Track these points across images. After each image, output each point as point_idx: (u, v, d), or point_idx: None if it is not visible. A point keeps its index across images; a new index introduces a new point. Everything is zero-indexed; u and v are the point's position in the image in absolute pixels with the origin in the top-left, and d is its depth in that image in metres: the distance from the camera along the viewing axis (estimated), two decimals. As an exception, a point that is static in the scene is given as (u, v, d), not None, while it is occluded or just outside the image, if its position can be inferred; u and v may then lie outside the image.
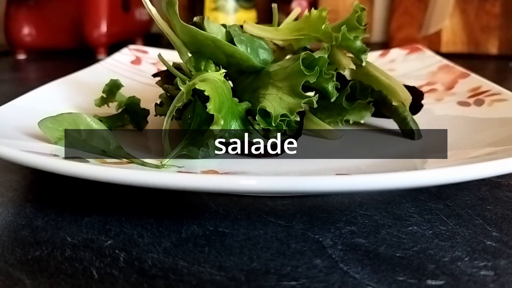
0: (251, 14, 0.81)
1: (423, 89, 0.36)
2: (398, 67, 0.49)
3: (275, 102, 0.27)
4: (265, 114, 0.27)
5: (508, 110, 0.31)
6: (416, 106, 0.32)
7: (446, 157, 0.27)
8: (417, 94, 0.32)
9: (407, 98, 0.30)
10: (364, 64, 0.30)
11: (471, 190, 0.25)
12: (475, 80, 0.38)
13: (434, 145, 0.30)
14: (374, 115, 0.33)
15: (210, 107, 0.24)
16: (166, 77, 0.33)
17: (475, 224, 0.22)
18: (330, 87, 0.29)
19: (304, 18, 0.30)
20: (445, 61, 0.46)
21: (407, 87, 0.32)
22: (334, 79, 0.29)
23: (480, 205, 0.24)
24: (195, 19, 0.30)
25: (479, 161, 0.21)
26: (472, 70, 0.41)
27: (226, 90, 0.26)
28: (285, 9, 0.80)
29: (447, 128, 0.31)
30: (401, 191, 0.25)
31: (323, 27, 0.28)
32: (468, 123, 0.31)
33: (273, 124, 0.27)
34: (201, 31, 0.28)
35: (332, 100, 0.29)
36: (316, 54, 0.27)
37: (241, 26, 0.31)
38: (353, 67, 0.29)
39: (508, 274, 0.18)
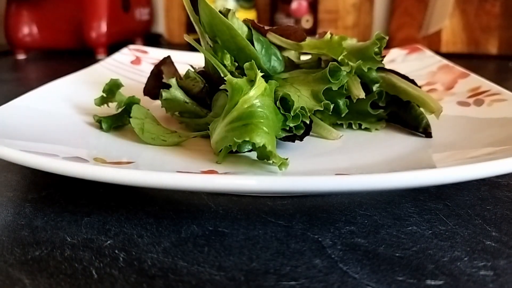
0: (251, 14, 0.81)
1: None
2: (398, 67, 0.49)
3: (295, 97, 0.28)
4: (285, 104, 0.28)
5: (508, 110, 0.31)
6: None
7: (445, 157, 0.27)
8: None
9: (439, 108, 0.31)
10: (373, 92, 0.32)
11: (471, 190, 0.25)
12: (475, 80, 0.38)
13: (434, 145, 0.30)
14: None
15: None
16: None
17: (474, 224, 0.22)
18: (342, 103, 0.31)
19: (326, 40, 0.31)
20: (445, 61, 0.46)
21: (406, 78, 0.33)
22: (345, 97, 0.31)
23: (479, 205, 0.24)
24: (221, 9, 0.30)
25: (479, 161, 0.21)
26: (472, 70, 0.41)
27: (272, 111, 0.26)
28: (285, 9, 0.79)
29: (447, 128, 0.31)
30: (401, 191, 0.25)
31: (340, 57, 0.30)
32: (468, 123, 0.31)
33: (292, 114, 0.27)
34: (220, 15, 0.29)
35: (342, 115, 0.31)
36: (343, 68, 0.29)
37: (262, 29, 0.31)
38: (363, 96, 0.30)
39: (508, 274, 0.18)
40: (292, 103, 0.27)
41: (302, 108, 0.27)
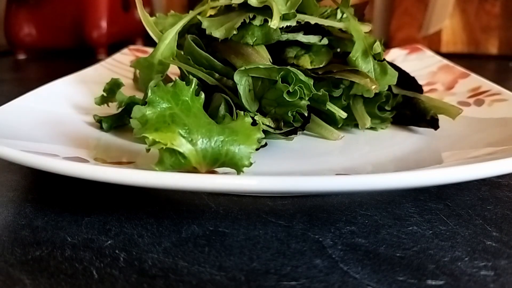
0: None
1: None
2: (398, 67, 0.49)
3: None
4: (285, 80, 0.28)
5: (508, 110, 0.31)
6: (416, 87, 0.34)
7: (446, 157, 0.27)
8: (417, 87, 0.33)
9: (459, 111, 0.31)
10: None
11: (471, 190, 0.25)
12: (475, 80, 0.38)
13: (435, 145, 0.30)
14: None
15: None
16: None
17: (475, 224, 0.22)
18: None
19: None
20: (445, 61, 0.46)
21: (407, 76, 0.33)
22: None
23: (480, 205, 0.24)
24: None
25: (479, 161, 0.21)
26: (472, 70, 0.41)
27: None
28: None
29: (447, 128, 0.31)
30: (401, 191, 0.25)
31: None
32: (468, 123, 0.31)
33: (291, 89, 0.27)
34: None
35: (339, 125, 0.32)
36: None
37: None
38: (369, 124, 0.32)
39: (508, 274, 0.18)
40: (293, 78, 0.27)
41: (300, 86, 0.27)
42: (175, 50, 0.32)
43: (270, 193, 0.24)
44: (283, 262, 0.19)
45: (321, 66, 0.31)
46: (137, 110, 0.29)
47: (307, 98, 0.28)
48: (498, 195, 0.25)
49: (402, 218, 0.22)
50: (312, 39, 0.31)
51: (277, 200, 0.24)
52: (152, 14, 0.96)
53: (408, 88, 0.33)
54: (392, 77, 0.31)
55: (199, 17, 0.32)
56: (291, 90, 0.27)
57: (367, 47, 0.30)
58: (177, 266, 0.18)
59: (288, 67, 0.28)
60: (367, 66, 0.30)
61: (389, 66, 0.31)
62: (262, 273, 0.18)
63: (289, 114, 0.28)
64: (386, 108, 0.32)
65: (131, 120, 0.29)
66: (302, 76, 0.28)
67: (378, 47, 0.30)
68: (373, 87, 0.29)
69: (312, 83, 0.28)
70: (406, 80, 0.34)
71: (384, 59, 0.31)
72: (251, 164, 0.22)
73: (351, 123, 0.33)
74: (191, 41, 0.31)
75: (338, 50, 0.33)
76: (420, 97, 0.32)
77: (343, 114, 0.31)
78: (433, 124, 0.31)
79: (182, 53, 0.32)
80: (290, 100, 0.27)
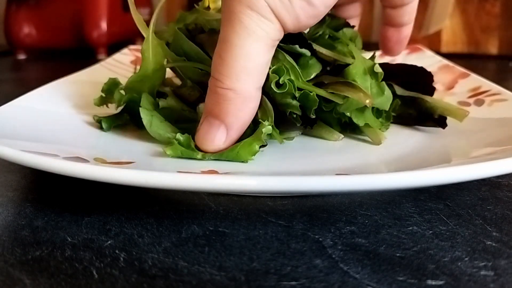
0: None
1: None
2: (398, 67, 0.49)
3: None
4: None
5: (508, 110, 0.31)
6: (429, 89, 0.33)
7: (445, 158, 0.27)
8: (427, 76, 0.33)
9: (465, 114, 0.31)
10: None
11: (471, 190, 0.25)
12: (475, 80, 0.38)
13: (435, 145, 0.30)
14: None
15: None
16: None
17: (475, 224, 0.22)
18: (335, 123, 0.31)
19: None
20: (445, 61, 0.46)
21: (415, 67, 0.33)
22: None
23: (480, 205, 0.24)
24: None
25: (479, 161, 0.21)
26: (472, 70, 0.41)
27: None
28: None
29: (447, 128, 0.31)
30: (402, 191, 0.25)
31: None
32: (468, 123, 0.31)
33: (280, 91, 0.27)
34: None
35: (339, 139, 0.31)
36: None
37: None
38: (384, 140, 0.30)
39: (508, 274, 0.18)
40: (284, 71, 0.27)
41: (291, 80, 0.27)
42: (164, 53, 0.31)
43: (270, 193, 0.24)
44: (283, 262, 0.19)
45: (309, 79, 0.30)
46: (145, 99, 0.28)
47: (297, 94, 0.27)
48: (498, 195, 0.25)
49: (402, 218, 0.22)
50: (298, 49, 0.30)
51: (277, 200, 0.24)
52: (152, 14, 0.96)
53: (413, 89, 0.33)
54: (387, 101, 0.30)
55: (198, 8, 0.32)
56: (280, 82, 0.27)
57: (366, 68, 0.30)
58: (177, 266, 0.18)
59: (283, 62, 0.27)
60: (365, 83, 0.29)
61: (386, 88, 0.30)
62: (262, 273, 0.18)
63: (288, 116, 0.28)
64: (380, 120, 0.32)
65: (140, 109, 0.29)
66: (292, 65, 0.27)
67: (378, 68, 0.30)
68: (367, 101, 0.27)
69: (303, 79, 0.27)
70: (412, 81, 0.33)
71: (383, 80, 0.30)
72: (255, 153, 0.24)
73: (350, 128, 0.32)
74: (182, 33, 0.31)
75: (328, 68, 0.32)
76: (425, 97, 0.32)
77: (339, 136, 0.30)
78: (441, 122, 0.31)
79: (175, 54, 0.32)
80: (279, 92, 0.27)
